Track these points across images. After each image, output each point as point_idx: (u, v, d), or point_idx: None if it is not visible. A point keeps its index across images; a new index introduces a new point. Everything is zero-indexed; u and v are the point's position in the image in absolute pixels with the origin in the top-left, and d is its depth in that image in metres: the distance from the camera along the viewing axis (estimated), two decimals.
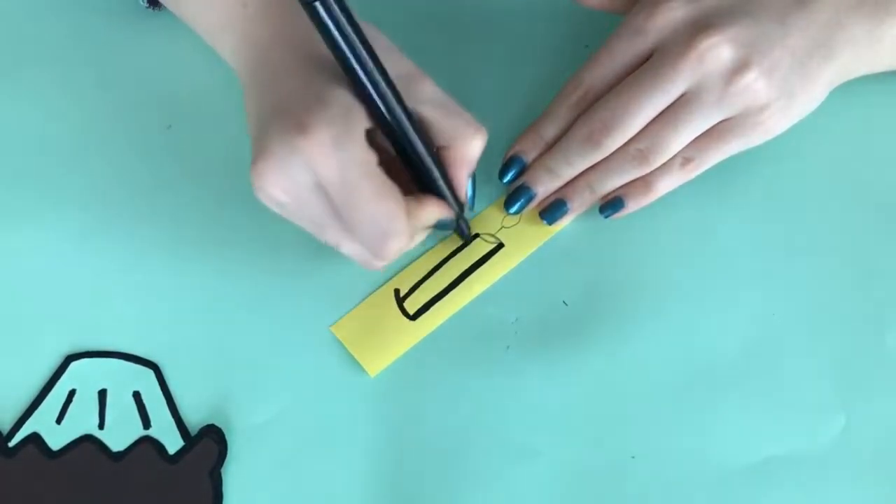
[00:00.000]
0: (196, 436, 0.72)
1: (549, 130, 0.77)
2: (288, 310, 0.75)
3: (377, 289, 0.76)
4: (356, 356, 0.74)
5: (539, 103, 0.78)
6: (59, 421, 0.73)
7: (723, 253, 0.76)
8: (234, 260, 0.76)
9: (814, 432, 0.72)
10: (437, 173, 0.68)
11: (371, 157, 0.63)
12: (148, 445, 0.72)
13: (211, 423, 0.73)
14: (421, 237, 0.71)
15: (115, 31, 0.84)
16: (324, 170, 0.61)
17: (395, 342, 0.75)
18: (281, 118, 0.62)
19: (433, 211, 0.69)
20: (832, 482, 0.70)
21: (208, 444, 0.72)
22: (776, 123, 0.73)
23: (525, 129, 0.78)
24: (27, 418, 0.73)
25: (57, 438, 0.73)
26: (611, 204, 0.75)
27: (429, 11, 0.84)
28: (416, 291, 0.76)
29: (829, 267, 0.76)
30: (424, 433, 0.72)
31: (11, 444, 0.72)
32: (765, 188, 0.77)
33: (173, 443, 0.72)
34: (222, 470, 0.72)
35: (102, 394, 0.74)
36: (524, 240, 0.77)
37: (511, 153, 0.77)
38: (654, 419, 0.72)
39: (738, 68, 0.70)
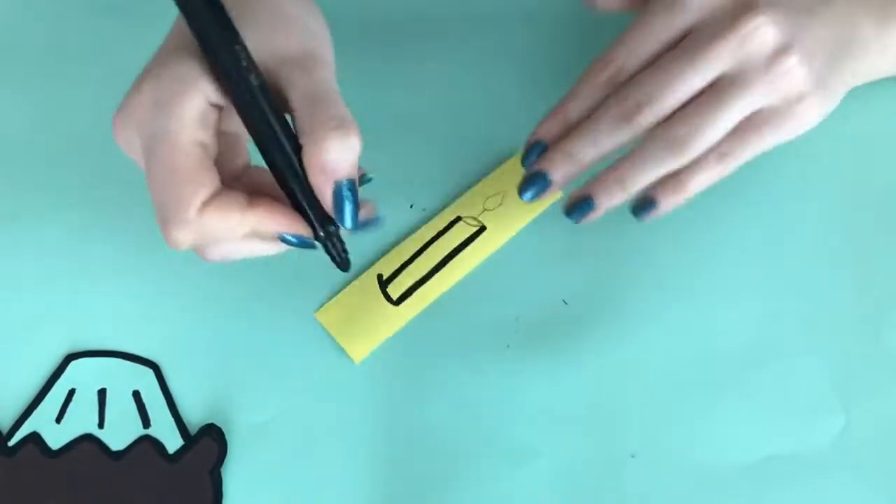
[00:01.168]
0: (196, 435, 0.73)
1: (576, 111, 0.70)
2: (287, 309, 0.75)
3: (360, 274, 0.76)
4: (340, 342, 0.74)
5: (539, 103, 0.76)
6: (58, 420, 0.73)
7: (723, 253, 0.76)
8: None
9: (814, 432, 0.72)
10: (291, 177, 0.59)
11: (190, 135, 0.57)
12: (148, 445, 0.72)
13: (211, 422, 0.73)
14: (259, 246, 0.62)
15: (114, 29, 0.84)
16: (140, 130, 0.58)
17: (379, 327, 0.75)
18: (141, 74, 0.60)
19: (267, 219, 0.60)
20: (832, 482, 0.70)
21: (208, 443, 0.72)
22: (810, 115, 0.69)
23: (548, 111, 0.71)
24: (27, 417, 0.73)
25: (57, 438, 0.73)
26: (643, 205, 0.69)
27: (428, 12, 0.84)
28: (400, 276, 0.76)
29: (830, 267, 0.76)
30: (425, 433, 0.73)
31: (11, 443, 0.73)
32: (764, 188, 0.77)
33: (173, 442, 0.73)
34: (222, 469, 0.72)
35: (102, 393, 0.74)
36: (507, 222, 0.77)
37: (533, 139, 0.71)
38: (653, 419, 0.72)
39: (781, 51, 0.67)
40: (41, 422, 0.73)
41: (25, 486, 0.72)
